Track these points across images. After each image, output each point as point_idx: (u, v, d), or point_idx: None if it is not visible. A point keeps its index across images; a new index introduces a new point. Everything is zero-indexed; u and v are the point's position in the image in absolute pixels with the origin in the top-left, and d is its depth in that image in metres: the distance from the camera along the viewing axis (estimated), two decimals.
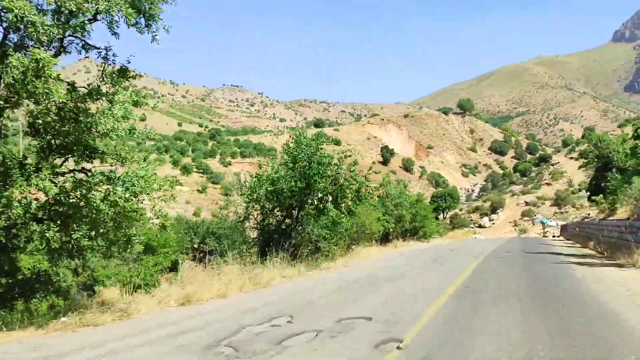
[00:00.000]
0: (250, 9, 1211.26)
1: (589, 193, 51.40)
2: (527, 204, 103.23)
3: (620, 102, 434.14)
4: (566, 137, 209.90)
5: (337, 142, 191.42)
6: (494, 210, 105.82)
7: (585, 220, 45.91)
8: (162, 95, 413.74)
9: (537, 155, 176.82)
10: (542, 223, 72.93)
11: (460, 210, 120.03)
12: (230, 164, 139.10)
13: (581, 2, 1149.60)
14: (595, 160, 53.06)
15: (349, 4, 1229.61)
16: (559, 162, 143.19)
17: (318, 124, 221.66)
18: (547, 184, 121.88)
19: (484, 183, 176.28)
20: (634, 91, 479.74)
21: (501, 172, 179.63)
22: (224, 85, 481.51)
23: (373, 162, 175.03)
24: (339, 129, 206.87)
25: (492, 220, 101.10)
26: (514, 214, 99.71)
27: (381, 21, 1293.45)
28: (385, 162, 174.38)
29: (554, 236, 66.59)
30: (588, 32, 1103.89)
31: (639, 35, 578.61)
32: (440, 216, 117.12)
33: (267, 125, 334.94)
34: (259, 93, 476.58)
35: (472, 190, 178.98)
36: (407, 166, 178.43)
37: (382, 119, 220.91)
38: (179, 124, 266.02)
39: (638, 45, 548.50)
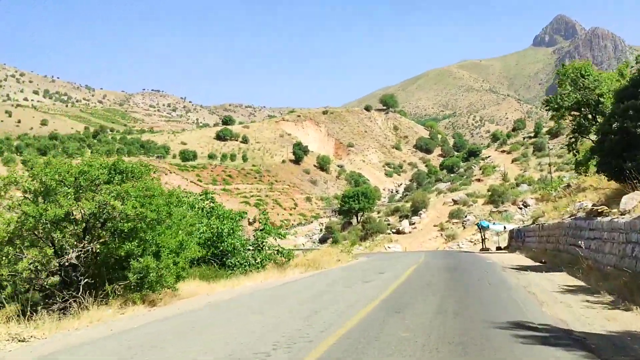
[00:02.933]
0: (175, 13, 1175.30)
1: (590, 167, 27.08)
2: (455, 202, 79.67)
3: (542, 104, 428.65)
4: (495, 131, 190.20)
5: (245, 140, 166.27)
6: (415, 211, 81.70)
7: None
8: (77, 101, 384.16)
9: (466, 149, 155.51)
10: (481, 227, 48.51)
11: (378, 213, 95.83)
12: None
13: (502, 8, 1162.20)
14: (577, 109, 29.11)
15: (272, 10, 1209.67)
16: (489, 156, 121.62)
17: (226, 121, 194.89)
18: (478, 180, 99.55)
19: (409, 182, 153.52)
20: (555, 93, 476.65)
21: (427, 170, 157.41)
22: (144, 90, 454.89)
23: (283, 161, 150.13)
24: (249, 125, 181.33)
25: (414, 224, 76.84)
26: (441, 216, 75.83)
27: (307, 23, 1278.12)
28: (297, 161, 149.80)
29: (498, 248, 42.88)
30: (509, 37, 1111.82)
31: (559, 40, 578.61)
32: (354, 220, 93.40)
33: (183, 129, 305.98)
34: (181, 98, 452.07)
35: (397, 192, 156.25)
36: (322, 165, 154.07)
37: (299, 116, 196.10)
38: (86, 128, 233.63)
39: (558, 50, 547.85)
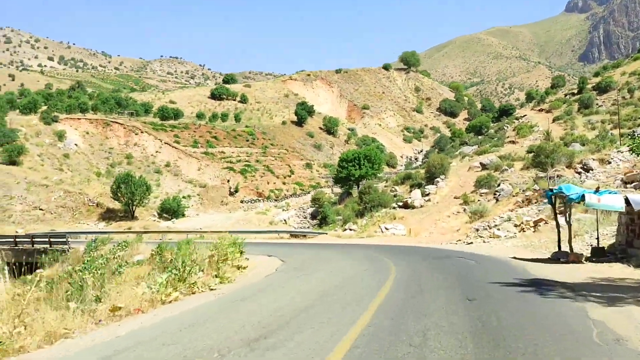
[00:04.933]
0: None
1: None
2: (484, 167, 57.18)
3: (574, 72, 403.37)
4: (530, 90, 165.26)
5: (244, 100, 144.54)
6: (431, 179, 59.46)
7: None
8: (93, 67, 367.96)
9: (498, 108, 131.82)
10: (563, 198, 19.61)
11: (385, 181, 73.76)
12: (56, 121, 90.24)
13: None
14: None
15: None
16: (525, 115, 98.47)
17: (227, 80, 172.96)
18: (512, 142, 76.93)
19: (430, 148, 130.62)
20: (588, 61, 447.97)
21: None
22: (161, 57, 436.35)
23: (283, 123, 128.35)
24: (251, 84, 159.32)
25: (428, 194, 54.62)
26: (465, 184, 53.46)
27: None
28: (300, 123, 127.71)
29: (596, 252, 20.28)
30: (541, 3, 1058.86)
31: (592, 5, 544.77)
32: (355, 191, 71.72)
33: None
34: (200, 65, 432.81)
35: (415, 159, 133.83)
36: (329, 128, 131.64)
37: (309, 75, 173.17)
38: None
39: (591, 15, 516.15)
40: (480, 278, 14.16)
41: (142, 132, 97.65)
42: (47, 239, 35.02)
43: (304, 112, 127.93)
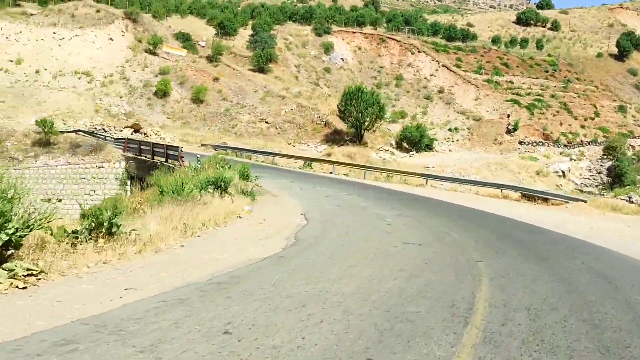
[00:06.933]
0: None
1: None
2: None
3: None
4: None
5: (555, 27, 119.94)
6: None
7: None
8: None
9: None
10: None
11: None
12: (328, 32, 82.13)
13: None
14: None
15: None
16: None
17: (542, 5, 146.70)
18: None
19: None
20: None
21: None
22: None
23: (598, 55, 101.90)
24: (569, 11, 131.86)
25: None
26: None
27: None
28: (621, 56, 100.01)
29: None
30: None
31: None
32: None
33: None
34: None
35: None
36: None
37: None
38: None
39: None
40: None
41: (419, 52, 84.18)
42: (164, 151, 25.53)
43: (628, 43, 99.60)
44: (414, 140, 51.60)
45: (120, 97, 54.26)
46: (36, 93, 48.92)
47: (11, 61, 53.58)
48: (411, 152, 50.66)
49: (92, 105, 50.85)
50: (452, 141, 67.61)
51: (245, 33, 74.97)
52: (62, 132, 34.44)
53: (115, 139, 34.30)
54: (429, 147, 53.41)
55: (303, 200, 18.66)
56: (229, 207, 14.37)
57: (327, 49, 78.38)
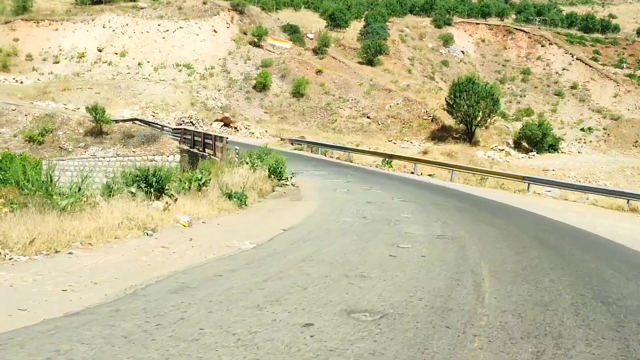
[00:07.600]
0: None
1: None
2: None
3: None
4: None
5: None
6: None
7: None
8: None
9: None
10: None
11: None
12: (448, 24, 76.16)
13: None
14: None
15: None
16: None
17: None
18: None
19: None
20: None
21: None
22: None
23: None
24: None
25: None
26: None
27: None
28: None
29: None
30: None
31: None
32: None
33: None
34: None
35: None
36: None
37: None
38: None
39: None
40: None
41: (550, 44, 75.65)
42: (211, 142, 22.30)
43: None
44: (535, 139, 44.78)
45: (219, 91, 52.29)
46: (133, 85, 47.99)
47: (116, 54, 53.38)
48: (531, 153, 43.97)
49: (189, 98, 49.19)
50: (584, 142, 59.54)
51: (358, 25, 70.97)
52: (116, 121, 32.28)
53: (172, 129, 31.48)
54: (553, 148, 46.32)
55: (325, 208, 13.63)
56: (154, 216, 9.50)
57: (446, 41, 72.34)
